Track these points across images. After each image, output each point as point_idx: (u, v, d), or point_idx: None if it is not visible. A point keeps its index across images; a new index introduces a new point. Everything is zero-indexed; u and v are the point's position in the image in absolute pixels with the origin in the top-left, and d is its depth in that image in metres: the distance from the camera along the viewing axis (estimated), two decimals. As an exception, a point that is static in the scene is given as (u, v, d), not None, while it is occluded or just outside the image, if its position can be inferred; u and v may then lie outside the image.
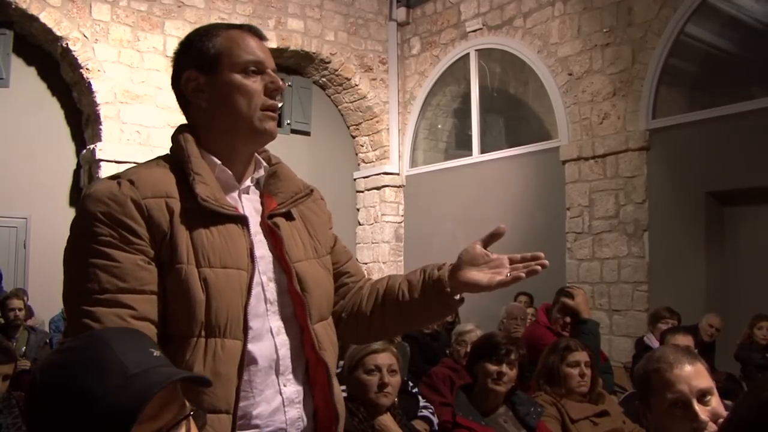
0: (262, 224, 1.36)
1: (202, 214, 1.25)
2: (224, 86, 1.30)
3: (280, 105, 1.37)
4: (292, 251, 1.35)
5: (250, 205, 1.37)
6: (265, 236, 1.35)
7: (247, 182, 1.38)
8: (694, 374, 1.54)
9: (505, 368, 2.63)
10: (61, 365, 0.90)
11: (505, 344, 2.71)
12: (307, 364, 1.36)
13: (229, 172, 1.34)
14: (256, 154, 1.41)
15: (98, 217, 1.20)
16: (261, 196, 1.40)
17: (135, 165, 1.35)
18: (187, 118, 1.38)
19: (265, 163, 1.41)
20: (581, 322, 3.63)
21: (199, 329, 1.21)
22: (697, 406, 1.50)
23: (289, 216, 1.39)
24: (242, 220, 1.29)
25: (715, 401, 1.54)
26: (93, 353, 0.90)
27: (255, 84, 1.31)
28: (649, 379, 1.56)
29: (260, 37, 1.37)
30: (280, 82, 1.35)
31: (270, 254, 1.34)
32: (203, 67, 1.32)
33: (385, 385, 2.39)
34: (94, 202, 1.21)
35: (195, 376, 1.03)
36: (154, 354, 0.94)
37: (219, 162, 1.32)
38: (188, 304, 1.20)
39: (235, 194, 1.35)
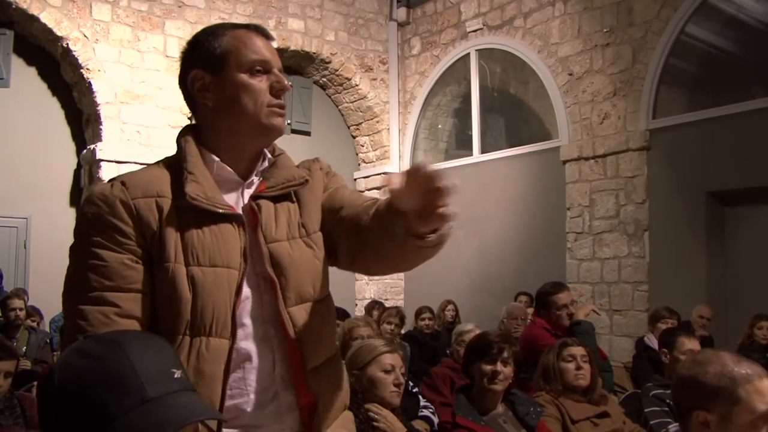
0: (246, 207, 1.33)
1: (194, 213, 1.25)
2: (230, 86, 1.30)
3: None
4: (269, 231, 1.31)
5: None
6: (246, 218, 1.31)
7: (253, 177, 1.36)
8: None
9: (499, 366, 2.62)
10: (81, 373, 0.90)
11: (497, 342, 2.69)
12: (287, 348, 1.31)
13: (229, 168, 1.33)
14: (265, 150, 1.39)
15: (89, 218, 1.25)
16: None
17: (141, 168, 1.37)
18: (194, 117, 1.38)
19: (269, 155, 1.39)
20: (575, 323, 3.77)
21: (185, 328, 1.22)
22: None
23: (277, 200, 1.35)
24: (237, 219, 1.29)
25: None
26: (113, 366, 0.90)
27: (261, 83, 1.31)
28: (736, 389, 1.54)
29: (267, 36, 1.36)
30: (286, 82, 1.34)
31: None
32: (209, 66, 1.31)
33: (400, 385, 2.46)
34: (88, 204, 1.26)
35: (210, 417, 1.02)
36: (175, 375, 0.94)
37: (217, 159, 1.32)
38: (174, 303, 1.22)
39: (237, 192, 1.34)
